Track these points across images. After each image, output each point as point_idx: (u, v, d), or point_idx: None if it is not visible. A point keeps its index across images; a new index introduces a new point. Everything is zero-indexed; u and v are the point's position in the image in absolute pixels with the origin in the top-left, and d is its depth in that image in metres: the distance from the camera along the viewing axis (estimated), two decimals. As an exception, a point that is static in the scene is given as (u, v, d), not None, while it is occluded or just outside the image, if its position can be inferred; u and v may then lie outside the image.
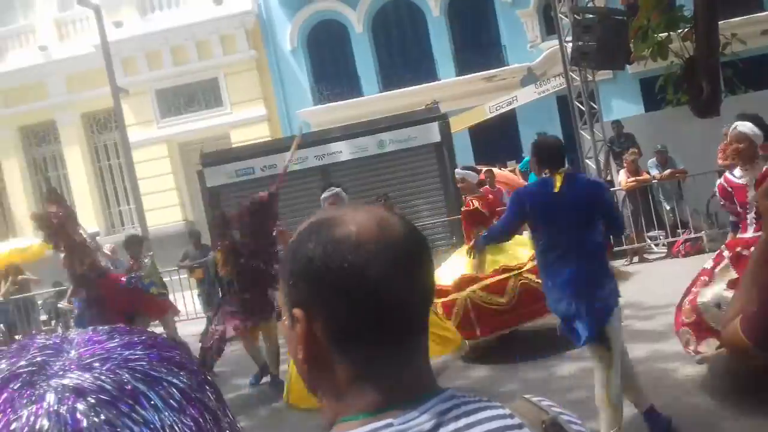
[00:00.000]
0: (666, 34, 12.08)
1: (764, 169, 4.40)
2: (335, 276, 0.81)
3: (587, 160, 12.38)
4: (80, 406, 0.57)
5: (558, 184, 4.15)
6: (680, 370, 5.20)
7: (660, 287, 6.91)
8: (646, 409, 4.30)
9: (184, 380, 0.64)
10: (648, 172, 11.16)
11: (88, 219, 19.62)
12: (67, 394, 0.58)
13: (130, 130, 16.73)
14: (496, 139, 17.38)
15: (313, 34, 19.91)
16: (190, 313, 11.94)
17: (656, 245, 11.12)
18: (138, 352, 0.64)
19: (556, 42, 13.62)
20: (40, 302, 12.34)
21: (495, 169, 13.27)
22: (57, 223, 6.96)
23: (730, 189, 4.59)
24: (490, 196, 7.62)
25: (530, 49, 18.49)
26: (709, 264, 4.81)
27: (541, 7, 18.17)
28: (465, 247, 6.62)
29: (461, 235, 11.63)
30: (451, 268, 6.65)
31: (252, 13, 19.29)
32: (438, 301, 6.13)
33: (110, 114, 18.65)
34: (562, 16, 12.22)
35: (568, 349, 5.78)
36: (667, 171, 11.01)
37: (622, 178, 11.12)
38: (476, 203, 6.62)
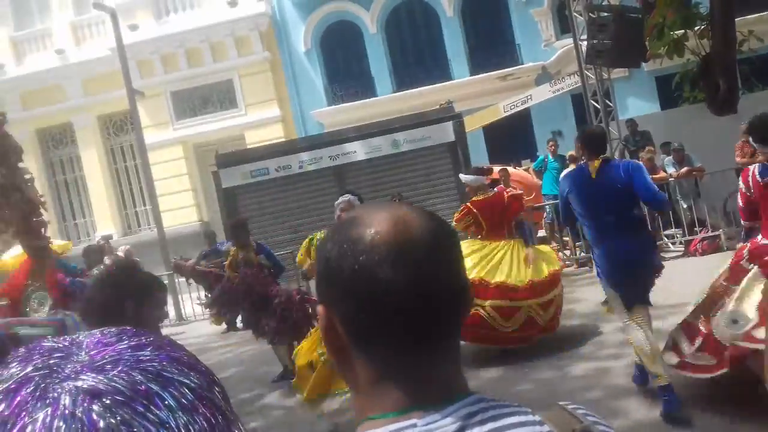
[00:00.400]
0: (682, 31, 11.99)
1: None
2: (347, 277, 0.82)
3: (603, 159, 12.29)
4: (96, 407, 0.58)
5: (594, 168, 4.69)
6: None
7: (677, 286, 6.85)
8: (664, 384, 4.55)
9: (195, 380, 0.64)
10: (665, 170, 11.08)
11: (105, 220, 19.83)
12: (82, 396, 0.58)
13: (145, 131, 16.85)
14: (510, 138, 17.33)
15: (327, 34, 19.95)
16: (206, 314, 12.00)
17: (673, 244, 11.04)
18: (148, 354, 0.64)
19: (570, 40, 13.56)
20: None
21: (509, 168, 13.24)
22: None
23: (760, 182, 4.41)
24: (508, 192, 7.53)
25: (544, 47, 18.42)
26: (725, 269, 4.70)
27: (555, 5, 18.10)
28: (472, 246, 6.64)
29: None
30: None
31: (266, 14, 19.36)
32: None
33: (126, 116, 18.80)
34: (577, 15, 12.16)
35: (582, 346, 5.76)
36: (684, 169, 10.93)
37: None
38: (468, 206, 6.79)
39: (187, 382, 0.64)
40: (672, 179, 10.95)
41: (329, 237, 0.87)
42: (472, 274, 6.28)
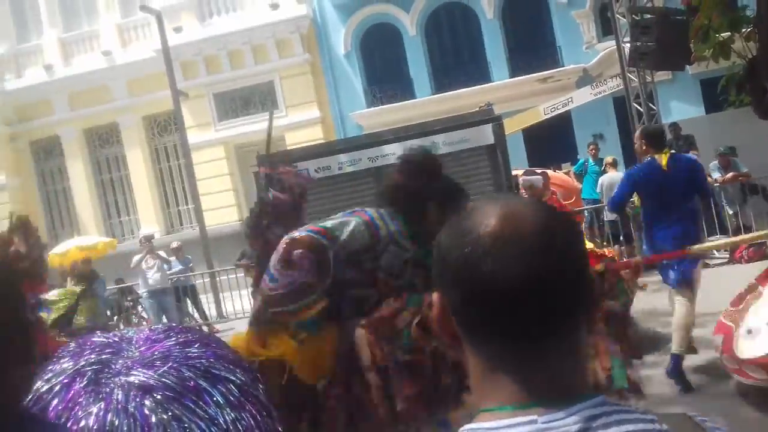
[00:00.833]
0: (728, 34, 11.76)
1: None
2: (454, 267, 0.83)
3: (644, 163, 12.15)
4: (148, 402, 0.60)
5: (664, 162, 5.38)
6: (736, 378, 5.09)
7: (720, 294, 6.74)
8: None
9: (241, 377, 0.66)
10: (710, 175, 10.91)
11: (149, 219, 20.24)
12: (134, 392, 0.61)
13: (188, 132, 17.17)
14: (550, 140, 17.20)
15: (367, 37, 20.04)
16: (246, 311, 12.17)
17: (718, 251, 10.84)
18: (196, 350, 0.66)
19: (612, 43, 13.42)
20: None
21: (549, 171, 13.15)
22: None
23: None
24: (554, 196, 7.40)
25: (586, 50, 18.23)
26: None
27: (597, 7, 17.90)
28: None
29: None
30: None
31: (307, 17, 19.54)
32: None
33: (170, 116, 19.16)
34: (620, 17, 12.04)
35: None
36: (730, 174, 10.73)
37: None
38: None
39: (234, 379, 0.66)
40: (717, 184, 10.76)
41: (446, 228, 0.88)
42: None
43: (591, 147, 13.13)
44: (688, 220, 5.37)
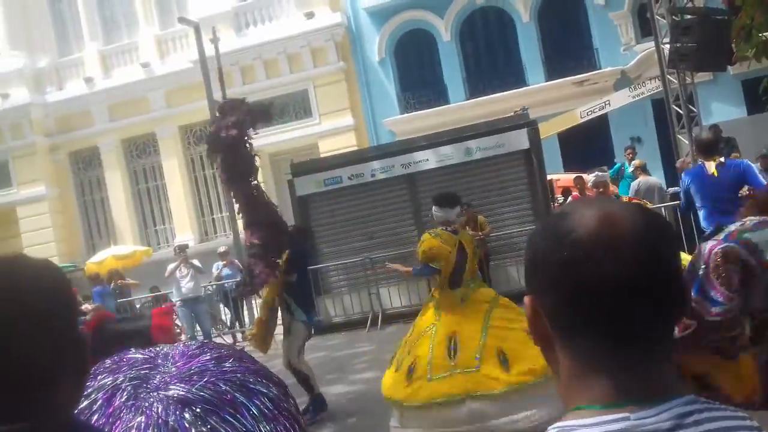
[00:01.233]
0: (771, 32, 11.41)
1: None
2: (553, 270, 0.84)
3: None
4: (187, 415, 0.61)
5: (713, 168, 6.03)
6: None
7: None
8: None
9: (274, 391, 0.68)
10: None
11: (183, 227, 20.48)
12: (173, 405, 0.62)
13: (224, 141, 17.31)
14: (586, 144, 16.90)
15: (401, 43, 20.03)
16: (278, 319, 12.17)
17: None
18: (230, 365, 0.67)
19: (650, 44, 13.16)
20: (138, 306, 12.91)
21: (585, 176, 12.90)
22: None
23: None
24: None
25: (624, 51, 17.91)
26: None
27: (636, 8, 17.59)
28: None
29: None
30: None
31: (341, 25, 19.60)
32: None
33: (206, 126, 19.34)
34: (659, 17, 11.79)
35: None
36: (774, 177, 10.37)
37: None
38: None
39: (267, 392, 0.67)
40: (760, 187, 10.41)
41: (539, 230, 0.90)
42: None
43: (628, 151, 12.86)
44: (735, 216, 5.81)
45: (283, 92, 19.89)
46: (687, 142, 11.75)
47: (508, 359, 4.74)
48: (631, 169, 12.28)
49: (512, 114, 12.76)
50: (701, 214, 6.33)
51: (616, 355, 0.83)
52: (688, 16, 11.09)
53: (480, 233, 10.87)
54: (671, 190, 12.69)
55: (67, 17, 22.14)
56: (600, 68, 18.12)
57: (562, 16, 18.91)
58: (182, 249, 11.43)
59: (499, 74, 19.17)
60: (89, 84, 21.06)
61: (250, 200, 6.59)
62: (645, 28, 16.09)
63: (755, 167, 10.65)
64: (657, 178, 13.95)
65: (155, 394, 0.62)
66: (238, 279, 12.04)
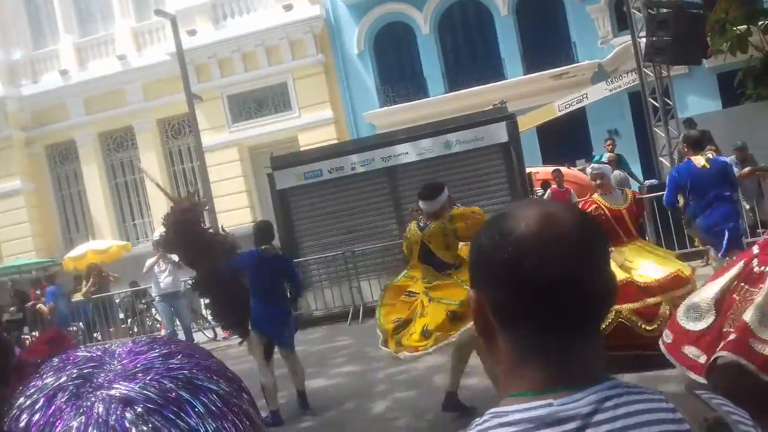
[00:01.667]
0: (745, 27, 11.58)
1: None
2: (497, 266, 0.90)
3: (661, 158, 12.00)
4: (128, 415, 0.59)
5: (702, 162, 6.83)
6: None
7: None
8: None
9: (224, 387, 0.65)
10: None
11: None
12: (115, 405, 0.59)
13: (202, 134, 17.22)
14: (564, 137, 17.03)
15: (380, 36, 20.00)
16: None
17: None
18: (178, 361, 0.65)
19: (627, 38, 13.29)
20: (117, 301, 12.82)
21: (563, 168, 13.02)
22: None
23: None
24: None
25: (601, 45, 18.05)
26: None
27: (612, 2, 17.72)
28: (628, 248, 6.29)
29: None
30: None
31: (320, 18, 19.53)
32: None
33: (184, 119, 19.25)
34: (635, 11, 11.90)
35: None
36: (747, 168, 10.54)
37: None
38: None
39: (216, 389, 0.65)
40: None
41: (484, 230, 0.95)
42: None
43: (608, 143, 12.97)
44: (727, 205, 6.82)
45: (261, 85, 19.80)
46: (663, 134, 11.89)
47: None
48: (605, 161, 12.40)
49: (491, 107, 12.82)
50: (692, 206, 6.82)
51: (549, 345, 0.89)
52: (664, 10, 11.22)
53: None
54: (647, 182, 12.85)
55: (41, 9, 21.82)
56: (577, 62, 18.24)
57: (539, 10, 19.00)
58: (161, 244, 11.35)
59: (478, 68, 19.22)
60: (65, 77, 20.79)
61: (212, 280, 6.65)
62: (622, 21, 16.23)
63: (731, 159, 10.83)
64: (634, 170, 14.12)
65: (98, 393, 0.60)
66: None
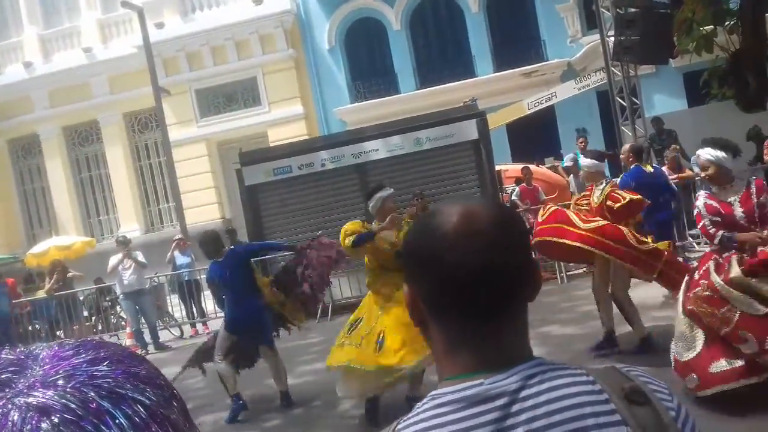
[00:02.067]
0: (711, 27, 11.75)
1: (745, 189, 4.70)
2: (423, 261, 0.97)
3: (628, 157, 12.10)
4: (44, 425, 0.57)
5: (648, 168, 7.88)
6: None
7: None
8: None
9: (151, 396, 0.63)
10: (691, 169, 10.87)
11: (128, 217, 20.03)
12: (31, 413, 0.57)
13: (170, 129, 16.99)
14: (533, 135, 17.15)
15: (351, 32, 19.94)
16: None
17: (698, 243, 10.82)
18: (104, 369, 0.63)
19: (596, 36, 13.39)
20: (81, 298, 12.57)
21: (532, 166, 13.09)
22: None
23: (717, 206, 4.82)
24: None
25: (570, 43, 18.22)
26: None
27: (582, 1, 17.88)
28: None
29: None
30: None
31: (291, 12, 19.40)
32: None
33: (151, 113, 18.97)
34: (604, 10, 12.00)
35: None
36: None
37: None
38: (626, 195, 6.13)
39: (142, 399, 0.62)
40: (698, 178, 10.72)
41: (412, 228, 1.04)
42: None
43: (580, 140, 13.07)
44: (668, 209, 8.05)
45: (231, 79, 19.61)
46: (630, 133, 12.02)
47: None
48: (568, 163, 12.48)
49: (462, 104, 12.85)
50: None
51: (477, 332, 0.95)
52: (632, 10, 11.31)
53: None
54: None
55: (5, 0, 21.32)
56: (547, 60, 18.39)
57: (510, 8, 19.11)
58: (125, 243, 11.15)
59: (449, 64, 19.27)
60: (28, 69, 20.37)
61: None
62: (591, 20, 16.38)
63: (694, 157, 10.99)
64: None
65: (16, 400, 0.58)
66: (194, 267, 11.91)
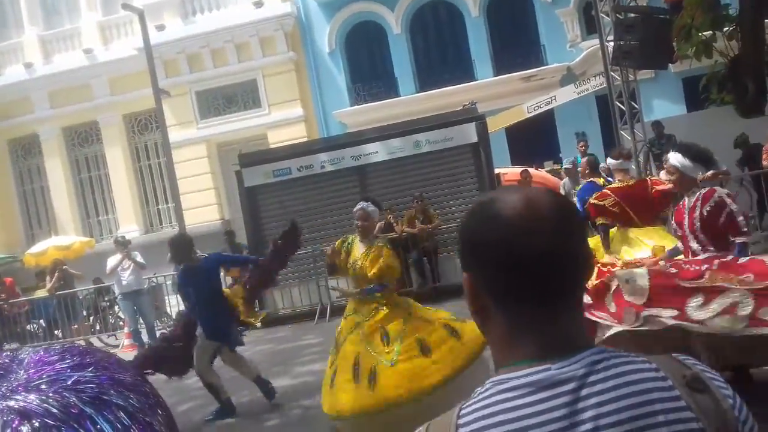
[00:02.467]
0: (710, 33, 11.77)
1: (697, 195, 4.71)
2: (488, 248, 0.98)
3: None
4: (24, 429, 0.56)
5: (601, 182, 7.83)
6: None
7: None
8: None
9: (134, 403, 0.63)
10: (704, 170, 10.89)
11: (127, 218, 20.03)
12: (12, 417, 0.57)
13: (170, 130, 17.00)
14: (533, 139, 17.18)
15: (351, 35, 19.97)
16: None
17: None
18: (88, 374, 0.63)
19: (596, 41, 13.42)
20: (80, 298, 12.58)
21: (530, 170, 13.12)
22: None
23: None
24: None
25: (570, 48, 18.25)
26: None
27: (581, 6, 17.93)
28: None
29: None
30: None
31: (291, 15, 19.42)
32: None
33: (151, 115, 18.97)
34: (604, 15, 12.03)
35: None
36: (709, 172, 10.70)
37: (662, 179, 10.88)
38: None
39: (125, 404, 0.62)
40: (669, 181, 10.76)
41: (471, 214, 1.03)
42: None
43: (581, 144, 13.08)
44: None
45: (231, 81, 19.62)
46: (629, 137, 12.04)
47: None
48: (567, 165, 12.51)
49: (461, 108, 12.87)
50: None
51: (540, 317, 0.97)
52: (632, 15, 11.34)
53: (429, 226, 10.98)
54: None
55: (5, 1, 21.35)
56: (546, 64, 18.41)
57: (510, 12, 19.14)
58: (124, 244, 11.15)
59: (449, 68, 19.30)
60: (29, 69, 20.37)
61: None
62: (590, 25, 16.42)
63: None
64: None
65: None
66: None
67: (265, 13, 19.21)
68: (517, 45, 19.00)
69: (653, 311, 4.37)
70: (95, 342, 11.97)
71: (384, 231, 10.51)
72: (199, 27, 19.51)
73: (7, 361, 0.64)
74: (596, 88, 14.46)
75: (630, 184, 6.46)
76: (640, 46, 11.01)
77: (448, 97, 17.46)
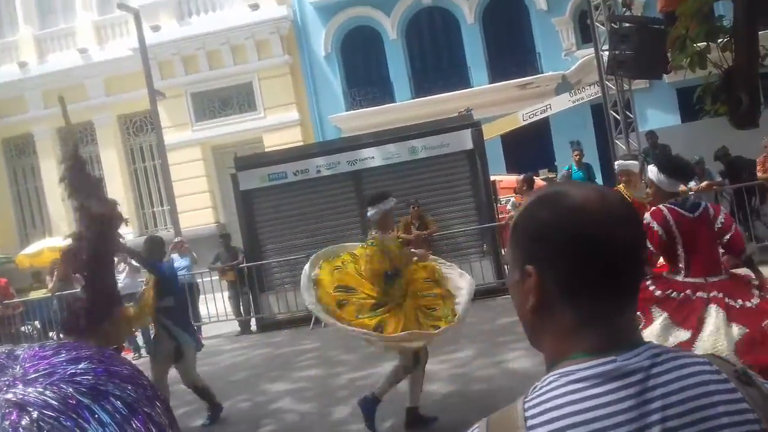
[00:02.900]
0: (705, 44, 11.88)
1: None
2: (568, 239, 0.97)
3: (621, 171, 12.20)
4: (24, 421, 0.57)
5: None
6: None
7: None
8: None
9: (132, 394, 0.63)
10: (684, 184, 10.98)
11: (123, 219, 19.94)
12: (10, 409, 0.58)
13: (165, 132, 16.97)
14: (528, 146, 17.27)
15: (347, 40, 20.00)
16: (220, 315, 12.05)
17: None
18: (84, 367, 0.63)
19: (591, 50, 13.51)
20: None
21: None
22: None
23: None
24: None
25: (565, 57, 18.35)
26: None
27: (577, 15, 18.04)
28: None
29: (492, 243, 11.56)
30: None
31: (287, 18, 19.45)
32: None
33: (146, 116, 18.95)
34: (599, 25, 12.11)
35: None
36: (704, 183, 10.82)
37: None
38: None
39: (123, 396, 0.63)
40: (691, 193, 10.83)
41: (541, 207, 1.02)
42: None
43: (575, 153, 13.17)
44: None
45: (226, 84, 19.62)
46: (624, 147, 12.12)
47: None
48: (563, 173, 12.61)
49: (457, 114, 12.93)
50: None
51: (607, 310, 0.99)
52: (627, 25, 11.42)
53: (425, 232, 11.02)
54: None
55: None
56: (542, 72, 18.51)
57: (505, 20, 19.23)
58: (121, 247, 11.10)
59: (444, 74, 19.37)
60: (23, 69, 20.32)
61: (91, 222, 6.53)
62: (585, 34, 16.51)
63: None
64: (597, 181, 14.37)
65: None
66: (191, 270, 11.88)
67: (261, 16, 19.23)
68: (513, 53, 19.10)
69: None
70: (88, 344, 11.89)
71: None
72: (195, 28, 19.51)
73: (2, 357, 0.64)
74: (591, 97, 14.54)
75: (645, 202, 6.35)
76: (635, 55, 11.08)
77: (444, 103, 17.53)
